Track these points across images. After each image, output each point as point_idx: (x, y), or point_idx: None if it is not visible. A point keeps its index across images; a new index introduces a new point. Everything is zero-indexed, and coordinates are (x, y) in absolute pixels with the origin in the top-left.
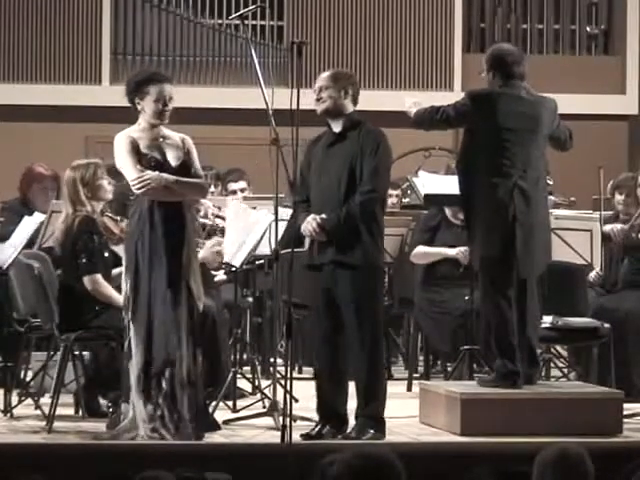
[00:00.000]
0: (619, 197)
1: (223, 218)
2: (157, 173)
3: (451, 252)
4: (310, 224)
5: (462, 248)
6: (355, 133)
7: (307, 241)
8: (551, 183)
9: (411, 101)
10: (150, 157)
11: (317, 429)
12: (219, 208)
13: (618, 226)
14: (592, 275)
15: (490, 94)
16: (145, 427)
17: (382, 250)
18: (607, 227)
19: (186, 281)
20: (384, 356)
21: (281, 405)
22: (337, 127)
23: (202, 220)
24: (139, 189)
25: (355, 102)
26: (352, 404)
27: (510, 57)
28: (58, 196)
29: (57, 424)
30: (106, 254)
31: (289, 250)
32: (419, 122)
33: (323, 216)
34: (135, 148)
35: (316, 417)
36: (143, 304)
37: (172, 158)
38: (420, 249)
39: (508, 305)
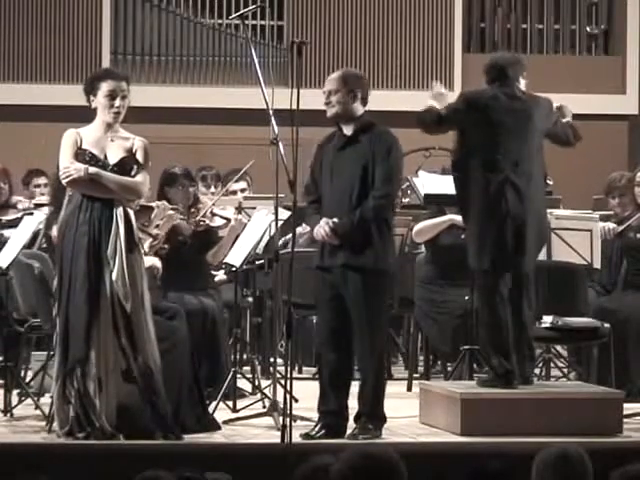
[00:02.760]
0: (613, 201)
1: (223, 217)
2: (83, 166)
3: (458, 218)
4: (323, 228)
5: None
6: (367, 136)
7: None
8: (551, 183)
9: (438, 90)
10: (87, 152)
11: (317, 429)
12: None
13: (611, 225)
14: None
15: (483, 92)
16: (62, 428)
17: (391, 253)
18: (600, 224)
19: (112, 280)
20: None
21: (281, 405)
22: (348, 130)
23: (200, 219)
24: (64, 179)
25: (365, 103)
26: (351, 403)
27: (502, 61)
28: (10, 191)
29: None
30: None
31: (288, 250)
32: (419, 122)
33: (335, 220)
34: (76, 142)
35: (316, 417)
36: (64, 299)
37: (112, 156)
38: (422, 223)
39: (502, 304)
